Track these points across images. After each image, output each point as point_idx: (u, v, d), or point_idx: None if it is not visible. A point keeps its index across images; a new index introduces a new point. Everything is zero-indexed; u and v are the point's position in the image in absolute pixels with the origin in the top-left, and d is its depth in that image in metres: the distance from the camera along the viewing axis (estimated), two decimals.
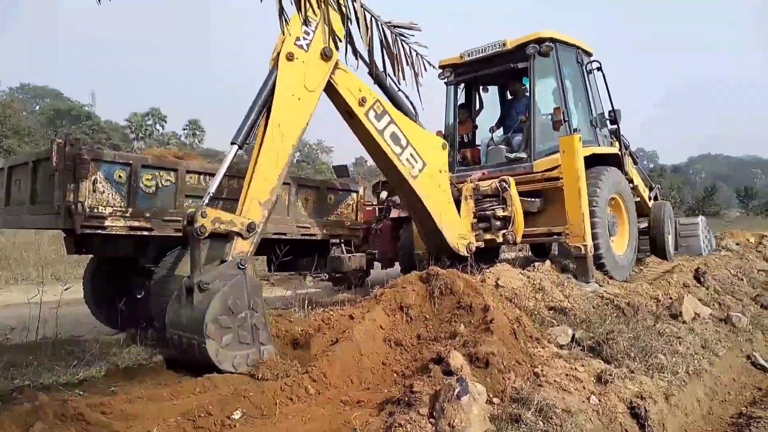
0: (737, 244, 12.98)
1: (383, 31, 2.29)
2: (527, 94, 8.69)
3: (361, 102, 5.91)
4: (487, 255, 8.18)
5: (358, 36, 2.14)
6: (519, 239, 7.31)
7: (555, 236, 7.58)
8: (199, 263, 4.59)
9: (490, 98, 9.94)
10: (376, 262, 11.26)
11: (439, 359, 3.99)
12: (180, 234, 5.64)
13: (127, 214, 5.28)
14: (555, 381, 4.09)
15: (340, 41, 2.15)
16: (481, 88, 9.59)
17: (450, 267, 6.02)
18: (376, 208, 11.89)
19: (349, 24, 2.13)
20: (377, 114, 6.06)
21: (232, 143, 5.10)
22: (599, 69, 8.85)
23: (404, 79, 2.72)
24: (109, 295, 6.37)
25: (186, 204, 5.66)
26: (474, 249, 7.13)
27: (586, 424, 3.73)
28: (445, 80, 9.01)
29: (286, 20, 2.23)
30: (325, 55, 5.42)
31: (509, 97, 9.63)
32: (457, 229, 7.08)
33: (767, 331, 7.42)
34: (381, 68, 2.73)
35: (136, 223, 5.35)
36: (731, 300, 7.99)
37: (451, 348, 4.12)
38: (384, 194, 12.13)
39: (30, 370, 4.33)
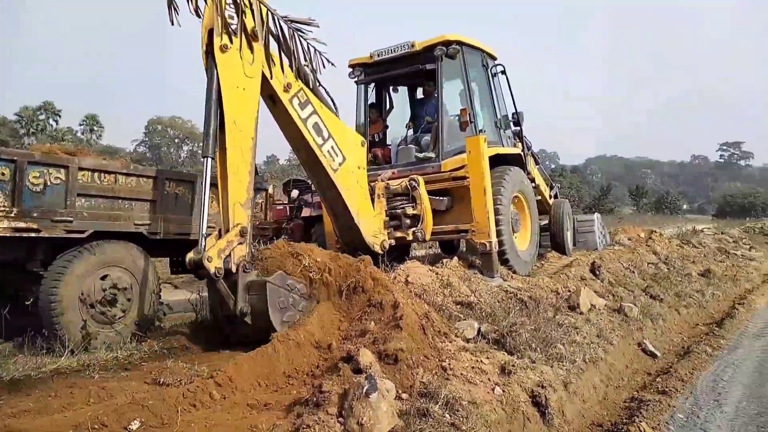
0: (629, 239, 13.86)
1: (279, 25, 2.22)
2: (435, 95, 8.86)
3: (286, 88, 5.82)
4: (398, 252, 8.26)
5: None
6: (428, 237, 7.44)
7: (462, 233, 7.74)
8: (230, 297, 5.02)
9: (402, 98, 10.05)
10: None
11: (349, 357, 3.97)
12: (71, 236, 5.28)
13: (12, 215, 4.87)
14: (461, 374, 4.18)
15: (235, 35, 2.06)
16: (391, 87, 9.67)
17: None
18: (287, 207, 11.69)
19: (243, 16, 2.05)
20: (301, 102, 6.01)
21: (204, 156, 5.05)
22: (503, 72, 9.18)
23: (301, 74, 2.67)
24: None
25: (78, 203, 5.30)
26: (387, 247, 7.18)
27: (491, 414, 3.84)
28: (356, 79, 9.01)
29: (198, 13, 2.12)
30: (255, 37, 5.26)
31: (419, 97, 9.77)
32: (372, 226, 7.11)
33: (656, 319, 7.99)
34: (277, 63, 2.67)
35: (22, 224, 4.94)
36: (624, 291, 8.53)
37: (360, 345, 4.11)
38: (295, 193, 11.94)
39: None
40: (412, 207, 7.37)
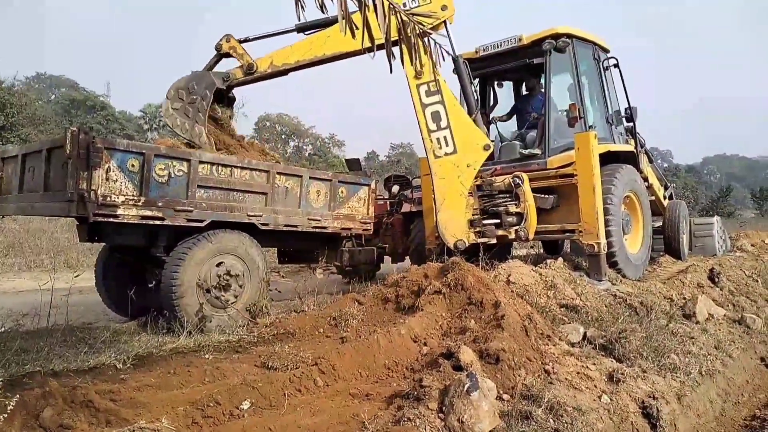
0: (752, 246, 12.77)
1: (401, 19, 2.24)
2: (542, 90, 8.60)
3: (417, 75, 6.55)
4: (499, 251, 8.10)
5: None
6: (531, 236, 7.19)
7: (568, 233, 7.46)
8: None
9: (506, 93, 9.83)
10: (386, 256, 11.22)
11: (449, 354, 3.96)
12: (191, 224, 5.67)
13: (140, 203, 5.29)
14: (566, 379, 4.04)
15: (357, 28, 2.10)
16: (495, 83, 9.47)
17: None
18: (388, 202, 11.83)
19: (366, 11, 2.09)
20: (429, 91, 6.65)
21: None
22: (616, 66, 8.70)
23: (421, 68, 2.71)
24: (121, 283, 6.40)
25: (198, 194, 5.67)
26: (462, 248, 6.98)
27: (597, 422, 3.69)
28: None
29: (323, 9, 2.22)
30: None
31: (524, 92, 9.51)
32: (455, 222, 7.00)
33: None
34: (398, 57, 2.70)
35: (148, 213, 5.35)
36: (746, 301, 7.88)
37: (461, 343, 4.08)
38: (396, 188, 12.07)
39: (41, 356, 4.36)
40: (515, 205, 7.15)
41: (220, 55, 6.96)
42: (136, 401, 3.68)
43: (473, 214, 7.19)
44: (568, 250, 10.45)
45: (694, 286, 7.61)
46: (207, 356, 4.94)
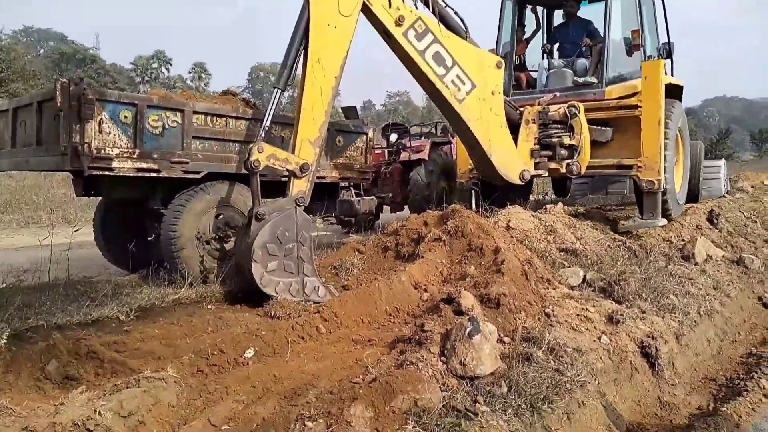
0: (752, 187, 12.78)
1: None
2: (580, 17, 8.27)
3: (399, 21, 5.57)
4: (521, 191, 7.92)
5: None
6: (584, 170, 6.93)
7: (625, 169, 7.14)
8: (257, 196, 4.92)
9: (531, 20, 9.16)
10: (385, 206, 11.22)
11: (450, 299, 3.98)
12: (187, 176, 5.60)
13: (134, 156, 5.21)
14: (566, 321, 4.09)
15: None
16: (537, 8, 8.86)
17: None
18: (386, 152, 11.75)
19: None
20: (418, 33, 5.71)
21: (275, 87, 5.14)
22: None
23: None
24: (120, 237, 6.38)
25: (194, 145, 5.58)
26: (528, 177, 6.77)
27: (596, 362, 3.75)
28: None
29: None
30: None
31: (563, 19, 8.96)
32: (511, 155, 6.67)
33: None
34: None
35: (143, 165, 5.28)
36: (744, 242, 7.92)
37: (461, 288, 4.10)
38: (394, 137, 11.96)
39: (44, 311, 4.38)
40: (569, 136, 6.77)
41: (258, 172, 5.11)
42: (141, 351, 3.72)
43: (534, 143, 6.93)
44: (569, 195, 10.39)
45: (693, 228, 7.63)
46: (210, 306, 4.98)
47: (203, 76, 61.97)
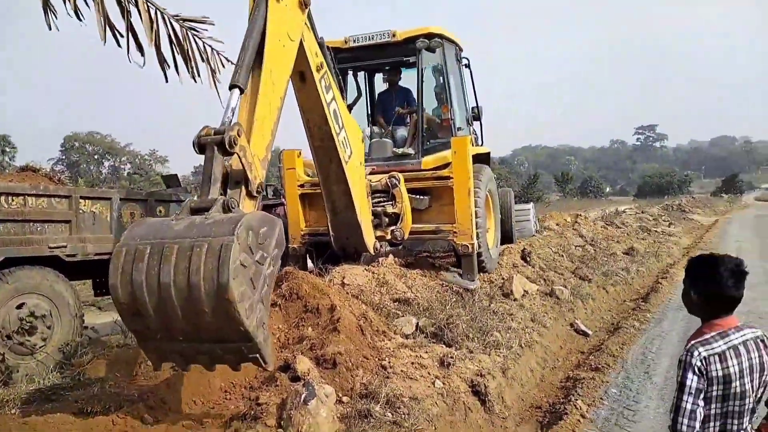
0: (557, 225, 14.35)
1: (171, 25, 2.11)
2: (402, 84, 8.66)
3: (319, 67, 5.43)
4: (353, 252, 8.03)
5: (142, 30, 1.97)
6: (407, 236, 7.13)
7: (442, 234, 7.47)
8: (216, 182, 3.64)
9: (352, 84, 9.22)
10: None
11: (287, 366, 3.90)
12: None
13: None
14: (402, 371, 4.19)
15: (122, 36, 1.94)
16: (357, 75, 9.04)
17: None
18: None
19: (130, 17, 1.94)
20: (326, 85, 5.62)
21: (233, 86, 4.08)
22: (467, 65, 9.05)
23: (199, 75, 2.54)
24: None
25: None
26: (378, 248, 6.87)
27: (432, 408, 3.86)
28: None
29: (79, 15, 1.99)
30: (303, 5, 4.93)
31: (384, 87, 9.27)
32: (370, 225, 6.75)
33: (586, 299, 8.31)
34: (172, 65, 2.52)
35: None
36: (554, 275, 8.82)
37: (297, 353, 4.04)
38: None
39: None
40: (392, 205, 6.98)
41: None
42: None
43: None
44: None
45: (510, 267, 8.34)
46: (13, 411, 4.33)
47: (8, 149, 55.79)
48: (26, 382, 4.89)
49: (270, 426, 3.23)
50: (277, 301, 5.16)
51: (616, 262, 11.13)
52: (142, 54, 2.24)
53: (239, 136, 3.71)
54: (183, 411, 3.86)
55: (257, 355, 3.15)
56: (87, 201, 5.72)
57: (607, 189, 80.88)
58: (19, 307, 5.13)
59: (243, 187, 3.90)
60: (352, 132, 6.25)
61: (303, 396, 3.28)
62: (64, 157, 59.30)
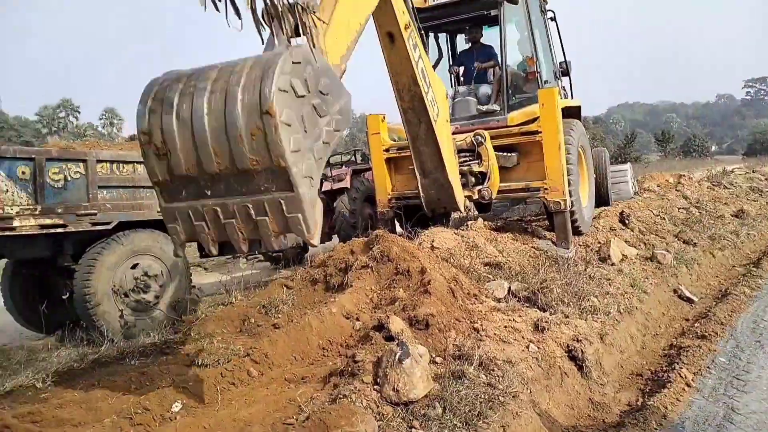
0: (658, 186, 13.58)
1: None
2: (483, 42, 8.45)
3: (407, 26, 5.28)
4: (441, 216, 7.95)
5: None
6: (495, 195, 7.00)
7: (532, 192, 7.23)
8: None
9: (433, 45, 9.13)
10: None
11: (380, 326, 3.97)
12: (97, 228, 5.35)
13: (37, 212, 4.95)
14: (495, 334, 4.16)
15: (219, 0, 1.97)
16: (438, 35, 8.96)
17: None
18: None
19: None
20: (414, 44, 5.44)
21: None
22: (553, 19, 8.69)
23: (295, 36, 2.48)
24: (31, 299, 6.01)
25: (101, 195, 5.36)
26: (469, 205, 6.83)
27: (527, 371, 3.82)
28: None
29: None
30: None
31: (466, 46, 9.09)
32: (459, 184, 6.68)
33: (691, 264, 7.83)
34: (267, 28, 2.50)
35: (47, 221, 5.02)
36: (656, 239, 8.36)
37: (390, 313, 4.10)
38: None
39: None
40: (478, 164, 6.86)
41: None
42: (59, 419, 3.52)
43: None
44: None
45: (606, 231, 7.99)
46: (133, 362, 4.75)
47: (115, 121, 59.90)
48: (143, 336, 5.32)
49: (367, 383, 3.31)
50: (369, 263, 5.26)
51: (724, 225, 10.36)
52: (239, 17, 2.27)
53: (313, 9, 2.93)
54: (284, 366, 4.06)
55: (299, 216, 2.66)
56: None
57: (713, 147, 75.38)
58: (134, 267, 5.56)
59: None
60: (438, 90, 6.11)
61: (398, 355, 3.34)
62: None
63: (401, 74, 5.63)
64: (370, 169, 11.42)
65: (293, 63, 2.60)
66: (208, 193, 2.76)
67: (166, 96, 2.67)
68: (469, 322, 4.30)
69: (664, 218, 9.78)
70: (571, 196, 7.04)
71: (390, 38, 5.32)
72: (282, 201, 2.62)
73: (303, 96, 2.67)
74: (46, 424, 3.42)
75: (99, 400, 3.81)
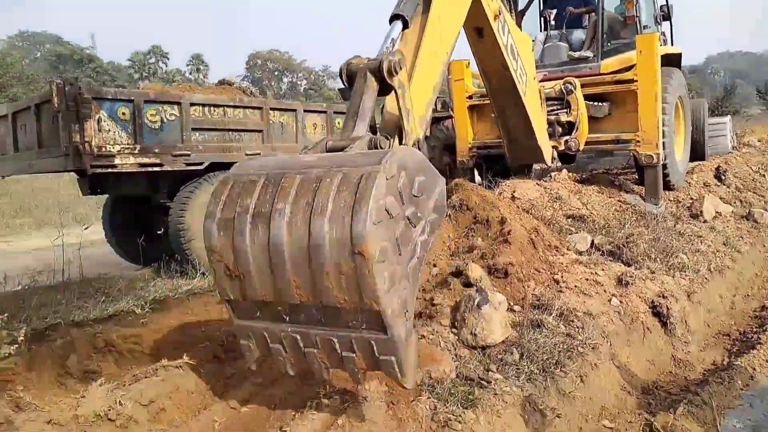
0: (759, 141, 12.64)
1: None
2: None
3: (497, 14, 4.92)
4: (523, 166, 7.79)
5: None
6: (582, 146, 6.71)
7: (623, 144, 6.91)
8: (364, 116, 2.88)
9: None
10: None
11: (458, 272, 4.00)
12: (190, 168, 5.63)
13: (136, 151, 5.26)
14: (575, 286, 4.10)
15: None
16: None
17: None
18: None
19: None
20: (502, 26, 5.02)
21: (395, 17, 3.34)
22: None
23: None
24: (129, 233, 6.47)
25: (194, 137, 5.61)
26: (555, 158, 6.62)
27: (608, 325, 3.76)
28: None
29: None
30: None
31: None
32: (546, 138, 6.45)
33: None
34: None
35: (146, 160, 5.33)
36: (753, 197, 7.85)
37: (469, 261, 4.12)
38: None
39: (61, 309, 4.45)
40: (566, 113, 6.56)
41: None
42: (158, 341, 3.79)
43: None
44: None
45: (700, 186, 7.58)
46: None
47: (201, 68, 61.73)
48: None
49: (444, 325, 3.38)
50: (447, 212, 5.26)
51: None
52: None
53: (401, 66, 2.98)
54: None
55: (392, 359, 2.26)
56: (275, 112, 6.20)
57: None
58: None
59: (395, 142, 3.09)
60: (523, 50, 5.65)
61: (476, 300, 3.37)
62: (248, 74, 64.22)
63: (490, 63, 5.34)
64: (449, 116, 11.27)
65: (388, 180, 2.20)
66: (287, 318, 2.41)
67: (237, 214, 2.32)
68: (549, 273, 4.26)
69: (763, 175, 9.13)
70: (664, 149, 6.66)
71: (478, 33, 4.97)
72: (373, 342, 2.26)
73: (397, 213, 2.27)
74: (146, 346, 3.71)
75: (193, 327, 4.08)
